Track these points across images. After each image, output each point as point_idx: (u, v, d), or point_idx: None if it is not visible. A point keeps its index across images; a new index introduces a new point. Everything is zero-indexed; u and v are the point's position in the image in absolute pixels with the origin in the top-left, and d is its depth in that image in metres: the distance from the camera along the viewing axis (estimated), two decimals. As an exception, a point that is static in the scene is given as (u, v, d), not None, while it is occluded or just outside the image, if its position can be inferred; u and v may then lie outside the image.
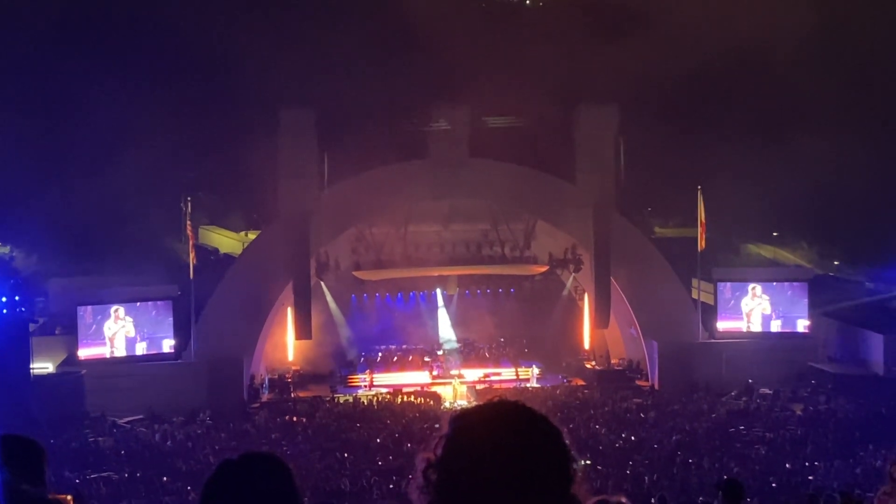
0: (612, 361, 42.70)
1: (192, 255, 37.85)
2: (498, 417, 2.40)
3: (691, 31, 39.22)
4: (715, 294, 40.17)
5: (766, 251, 48.74)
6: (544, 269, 42.83)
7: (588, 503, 2.82)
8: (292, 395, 38.80)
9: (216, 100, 42.84)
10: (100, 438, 31.03)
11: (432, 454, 2.38)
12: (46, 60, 40.94)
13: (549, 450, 2.37)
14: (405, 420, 32.67)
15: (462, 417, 2.42)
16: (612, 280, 39.59)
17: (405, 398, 37.38)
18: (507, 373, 41.74)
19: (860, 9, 42.52)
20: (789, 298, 40.08)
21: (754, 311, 39.98)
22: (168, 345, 37.86)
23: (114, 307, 37.16)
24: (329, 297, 42.51)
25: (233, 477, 3.02)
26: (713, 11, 40.89)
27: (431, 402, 36.80)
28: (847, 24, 41.63)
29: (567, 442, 2.44)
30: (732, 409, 34.00)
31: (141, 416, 34.41)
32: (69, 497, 5.01)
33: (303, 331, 38.97)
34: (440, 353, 43.31)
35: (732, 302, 40.14)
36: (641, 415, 33.34)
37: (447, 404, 36.72)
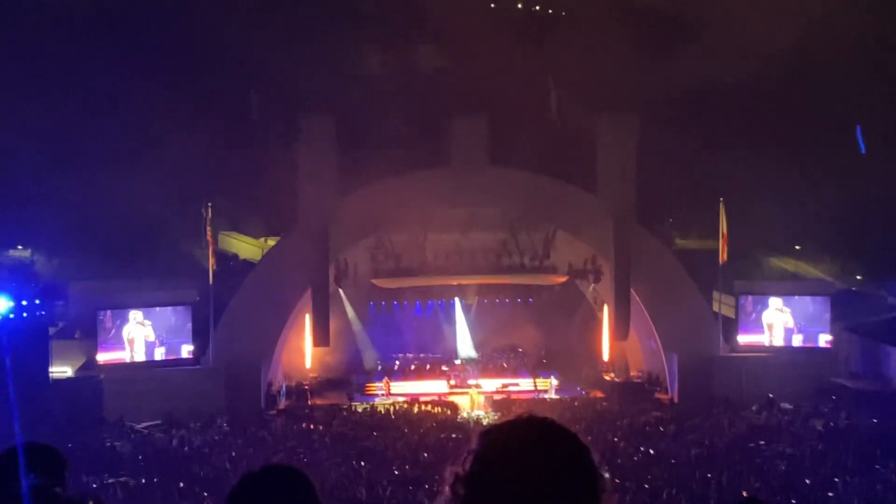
0: (632, 374, 42.54)
1: (211, 261, 37.99)
2: (527, 434, 2.35)
3: (715, 43, 39.12)
4: (736, 307, 39.97)
5: (789, 264, 48.47)
6: (564, 279, 42.73)
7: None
8: (309, 403, 38.85)
9: (238, 106, 43.08)
10: (117, 443, 31.10)
11: (461, 469, 2.35)
12: (70, 66, 41.23)
13: (578, 467, 2.33)
14: (422, 429, 32.58)
15: (491, 433, 2.38)
16: (633, 291, 39.44)
17: (422, 407, 37.35)
18: (525, 383, 41.66)
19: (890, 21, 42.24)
20: (811, 313, 39.82)
21: (776, 324, 39.76)
22: (187, 350, 37.98)
23: (133, 312, 37.33)
24: (347, 305, 42.58)
25: (255, 490, 2.98)
26: (737, 22, 40.77)
27: (449, 412, 36.73)
28: (874, 35, 41.39)
29: (595, 460, 2.39)
30: (753, 424, 33.76)
31: (158, 422, 34.49)
32: (90, 503, 5.09)
33: (321, 338, 39.01)
34: (458, 362, 43.29)
35: (754, 315, 39.93)
36: (660, 428, 33.12)
37: (465, 414, 36.66)
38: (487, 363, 43.46)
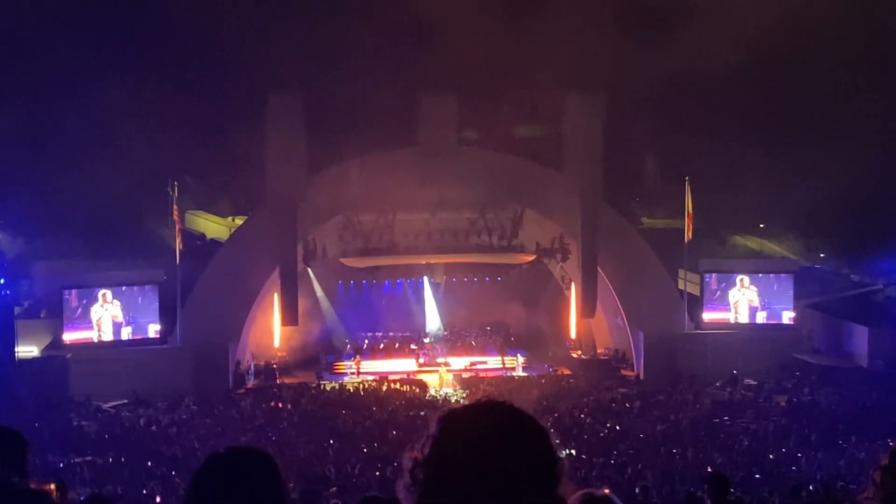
0: (598, 351, 42.84)
1: (178, 240, 37.75)
2: (486, 418, 2.39)
3: (685, 25, 39.26)
4: (701, 285, 40.31)
5: (753, 242, 48.96)
6: (531, 258, 42.89)
7: (573, 496, 2.81)
8: (278, 382, 38.77)
9: (204, 84, 42.70)
10: (84, 423, 30.97)
11: (419, 453, 2.38)
12: (34, 42, 40.69)
13: (536, 451, 2.37)
14: (391, 407, 32.68)
15: (450, 417, 2.42)
16: (599, 270, 39.66)
17: (391, 385, 37.42)
18: (493, 361, 41.85)
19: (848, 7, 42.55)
20: (775, 290, 40.26)
21: (740, 302, 40.16)
22: (154, 330, 37.79)
23: (101, 291, 37.08)
24: (316, 284, 42.49)
25: (220, 471, 3.03)
26: (709, 6, 40.88)
27: (417, 390, 36.85)
28: (837, 21, 41.68)
29: (554, 443, 2.44)
30: (717, 400, 34.17)
31: (126, 401, 34.35)
32: (52, 486, 4.99)
33: (289, 317, 38.93)
34: (427, 340, 43.38)
35: (718, 293, 40.30)
36: (626, 404, 33.44)
37: (433, 392, 36.78)
38: (456, 341, 43.58)
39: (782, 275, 40.68)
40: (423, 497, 2.35)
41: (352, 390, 36.53)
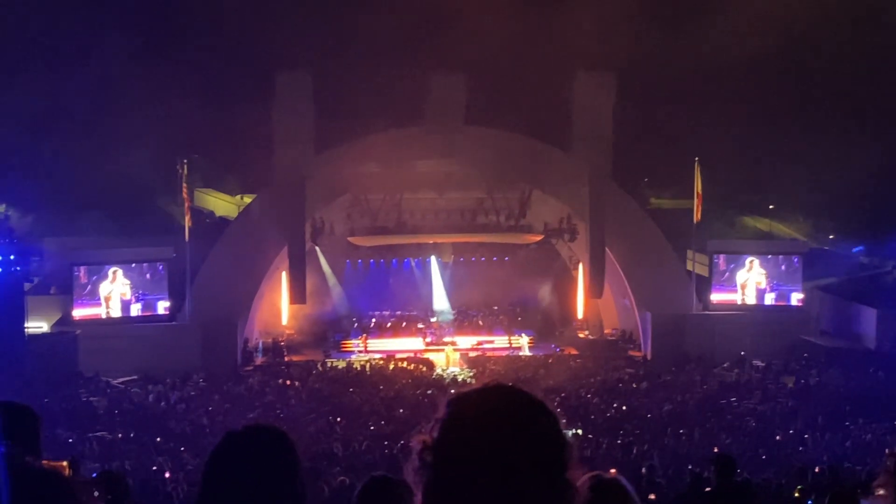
0: (606, 331, 42.88)
1: (187, 218, 37.84)
2: (495, 402, 2.40)
3: (694, 5, 38.99)
4: (710, 266, 40.26)
5: (762, 224, 48.80)
6: (539, 237, 42.84)
7: (582, 479, 2.83)
8: (285, 359, 38.94)
9: (213, 61, 42.60)
10: (93, 398, 31.09)
11: (428, 437, 2.40)
12: (42, 17, 40.63)
13: (545, 435, 2.38)
14: (398, 386, 32.77)
15: (458, 401, 2.43)
16: (607, 250, 39.62)
17: (398, 364, 37.53)
18: (500, 341, 41.89)
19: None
20: (784, 271, 40.18)
21: (749, 283, 40.10)
22: (163, 306, 37.95)
23: (111, 268, 37.23)
24: (324, 262, 42.57)
25: (237, 449, 3.06)
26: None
27: (424, 369, 36.95)
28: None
29: (563, 427, 2.45)
30: (724, 381, 34.12)
31: (135, 377, 34.49)
32: (65, 463, 5.02)
33: (297, 295, 39.02)
34: (434, 319, 43.45)
35: (727, 274, 40.25)
36: (633, 385, 33.45)
37: (440, 371, 36.86)
38: (463, 321, 43.67)
39: (791, 256, 40.59)
40: (432, 480, 2.37)
41: (359, 368, 36.64)
